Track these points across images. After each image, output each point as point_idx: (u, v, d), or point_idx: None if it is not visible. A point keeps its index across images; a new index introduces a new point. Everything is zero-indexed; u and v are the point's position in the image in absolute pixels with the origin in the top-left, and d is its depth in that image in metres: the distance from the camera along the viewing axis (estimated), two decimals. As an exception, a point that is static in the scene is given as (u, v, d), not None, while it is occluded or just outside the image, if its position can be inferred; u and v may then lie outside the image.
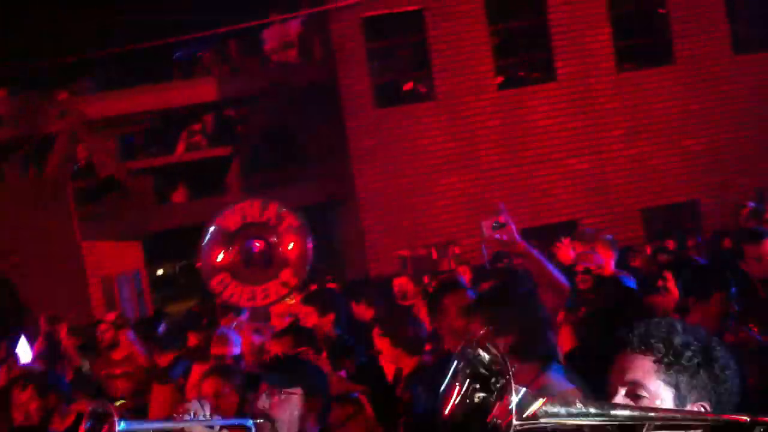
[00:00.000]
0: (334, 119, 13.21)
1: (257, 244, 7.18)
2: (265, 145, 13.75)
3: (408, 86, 13.68)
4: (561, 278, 3.38)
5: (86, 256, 12.35)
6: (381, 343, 4.14)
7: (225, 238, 7.20)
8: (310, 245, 6.76)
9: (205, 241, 7.19)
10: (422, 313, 5.13)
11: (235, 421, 2.80)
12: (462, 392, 1.44)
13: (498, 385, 1.35)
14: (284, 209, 7.19)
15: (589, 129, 13.09)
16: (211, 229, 7.26)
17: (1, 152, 13.19)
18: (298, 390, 2.63)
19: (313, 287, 7.83)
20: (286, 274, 6.72)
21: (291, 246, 6.88)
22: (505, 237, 3.35)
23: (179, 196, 13.43)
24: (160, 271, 14.02)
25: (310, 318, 5.70)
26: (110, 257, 12.79)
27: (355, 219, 13.49)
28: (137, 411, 5.34)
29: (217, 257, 7.08)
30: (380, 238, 12.91)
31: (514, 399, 1.27)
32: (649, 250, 9.42)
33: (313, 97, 13.36)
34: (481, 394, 1.42)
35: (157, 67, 14.43)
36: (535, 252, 3.41)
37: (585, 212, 12.74)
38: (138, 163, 13.43)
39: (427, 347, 4.37)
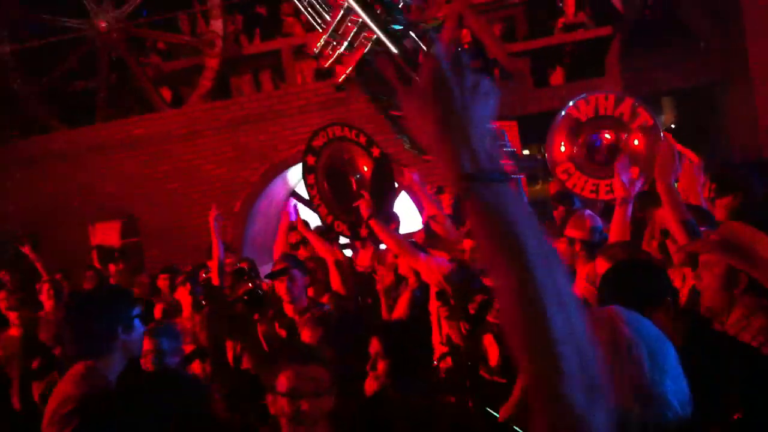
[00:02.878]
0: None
1: (606, 138, 7.16)
2: (647, 23, 13.15)
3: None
4: None
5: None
6: None
7: (575, 128, 7.28)
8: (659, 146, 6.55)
9: (555, 128, 7.35)
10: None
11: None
12: None
13: None
14: (640, 105, 7.04)
15: None
16: (562, 116, 7.39)
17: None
18: None
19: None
20: (633, 172, 6.62)
21: (640, 144, 6.77)
22: None
23: (557, 78, 13.52)
24: (526, 151, 14.32)
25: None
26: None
27: (747, 99, 12.52)
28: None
29: (564, 145, 7.23)
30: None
31: None
32: None
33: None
34: None
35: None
36: None
37: None
38: (518, 45, 13.72)
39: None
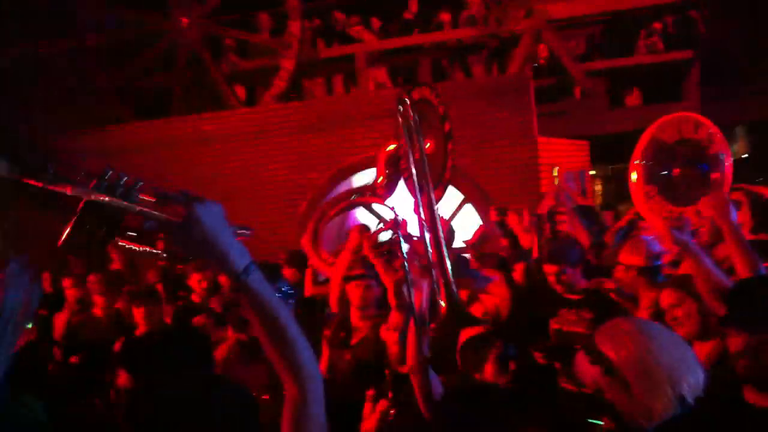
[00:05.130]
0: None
1: (695, 165, 6.92)
2: (729, 52, 12.82)
3: None
4: None
5: (541, 151, 12.76)
6: None
7: (659, 150, 7.04)
8: (728, 176, 6.34)
9: (641, 148, 7.11)
10: None
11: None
12: None
13: None
14: (716, 132, 6.80)
15: None
16: (648, 137, 7.15)
17: (469, 49, 14.33)
18: None
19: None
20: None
21: (712, 174, 6.54)
22: None
23: (633, 99, 13.29)
24: (592, 171, 14.01)
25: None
26: (561, 154, 13.18)
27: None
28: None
29: (649, 168, 6.99)
30: None
31: None
32: None
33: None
34: None
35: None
36: None
37: None
38: (595, 64, 13.52)
39: None
